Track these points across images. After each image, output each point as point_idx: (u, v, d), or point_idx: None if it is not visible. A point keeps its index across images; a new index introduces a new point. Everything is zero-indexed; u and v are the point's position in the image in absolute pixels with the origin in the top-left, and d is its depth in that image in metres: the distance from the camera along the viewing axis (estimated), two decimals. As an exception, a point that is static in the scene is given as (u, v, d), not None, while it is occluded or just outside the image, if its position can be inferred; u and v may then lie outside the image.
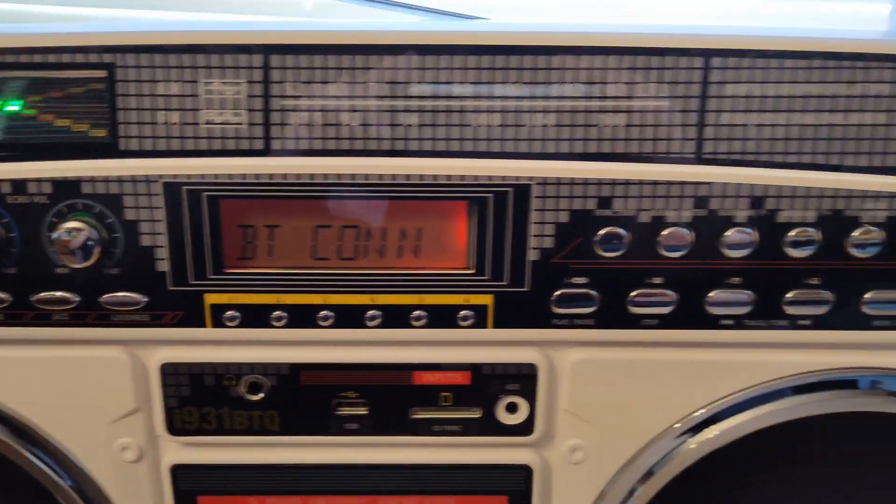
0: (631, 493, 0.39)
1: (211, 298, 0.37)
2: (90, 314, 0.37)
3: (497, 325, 0.37)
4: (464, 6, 0.45)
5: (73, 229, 0.34)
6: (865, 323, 0.36)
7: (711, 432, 0.37)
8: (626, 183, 0.35)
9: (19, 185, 0.35)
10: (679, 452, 0.38)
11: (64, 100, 0.35)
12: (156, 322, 0.37)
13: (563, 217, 0.35)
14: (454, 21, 0.47)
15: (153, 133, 0.35)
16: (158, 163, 0.35)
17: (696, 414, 0.37)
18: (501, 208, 0.35)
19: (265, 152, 0.35)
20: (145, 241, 0.36)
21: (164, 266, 0.36)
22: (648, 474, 0.39)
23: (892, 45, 0.33)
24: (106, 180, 0.35)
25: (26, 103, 0.35)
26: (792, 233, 0.35)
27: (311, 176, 0.35)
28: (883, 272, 0.36)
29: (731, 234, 0.35)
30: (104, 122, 0.35)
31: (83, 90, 0.35)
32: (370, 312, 0.37)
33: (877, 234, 0.35)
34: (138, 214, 0.35)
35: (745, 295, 0.36)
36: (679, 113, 0.34)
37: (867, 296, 0.36)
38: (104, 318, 0.37)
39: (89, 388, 0.38)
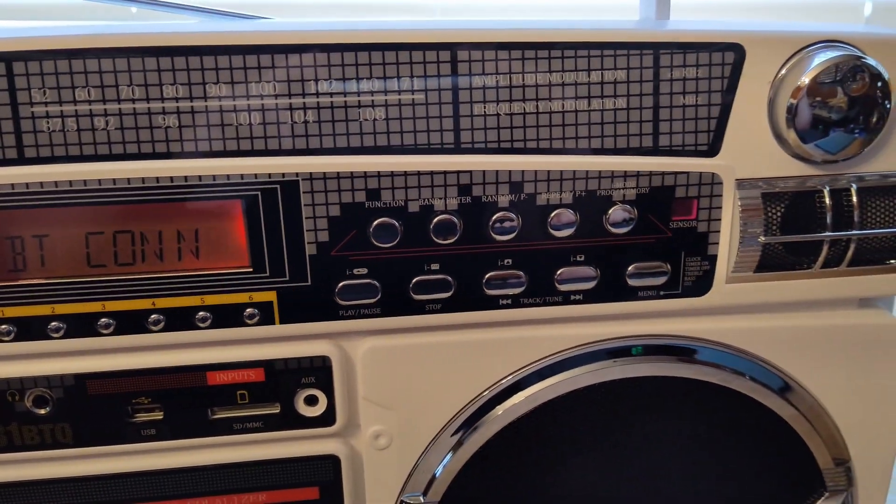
0: (432, 479, 0.40)
1: (-20, 314, 0.36)
2: None
3: (284, 321, 0.37)
4: (257, 6, 0.45)
5: None
6: (632, 294, 0.39)
7: (499, 410, 0.39)
8: (392, 174, 0.36)
9: None
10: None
11: None
12: (-78, 343, 0.36)
13: (335, 210, 0.36)
14: (233, 21, 0.47)
15: None
16: None
17: (480, 396, 0.39)
18: (273, 205, 0.35)
19: (18, 161, 0.34)
20: None
21: (-78, 284, 0.35)
22: (445, 459, 0.40)
23: (629, 34, 0.35)
24: None
25: None
26: (552, 215, 0.37)
27: (71, 183, 0.34)
28: (638, 247, 0.38)
29: (496, 218, 0.37)
30: None
31: None
32: (153, 317, 0.36)
33: (629, 212, 0.37)
34: None
35: (518, 275, 0.38)
36: (434, 105, 0.35)
37: (629, 269, 0.39)
38: None
39: None
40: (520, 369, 0.40)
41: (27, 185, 0.34)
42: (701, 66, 0.36)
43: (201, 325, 0.37)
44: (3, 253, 0.35)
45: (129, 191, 0.35)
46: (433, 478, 0.40)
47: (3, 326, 0.35)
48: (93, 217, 0.35)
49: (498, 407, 0.39)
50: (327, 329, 0.38)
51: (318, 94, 0.35)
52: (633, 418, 0.41)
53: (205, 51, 0.33)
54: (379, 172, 0.35)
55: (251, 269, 0.36)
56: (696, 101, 0.37)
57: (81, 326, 0.36)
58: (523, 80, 0.35)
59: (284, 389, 0.38)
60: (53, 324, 0.36)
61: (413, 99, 0.35)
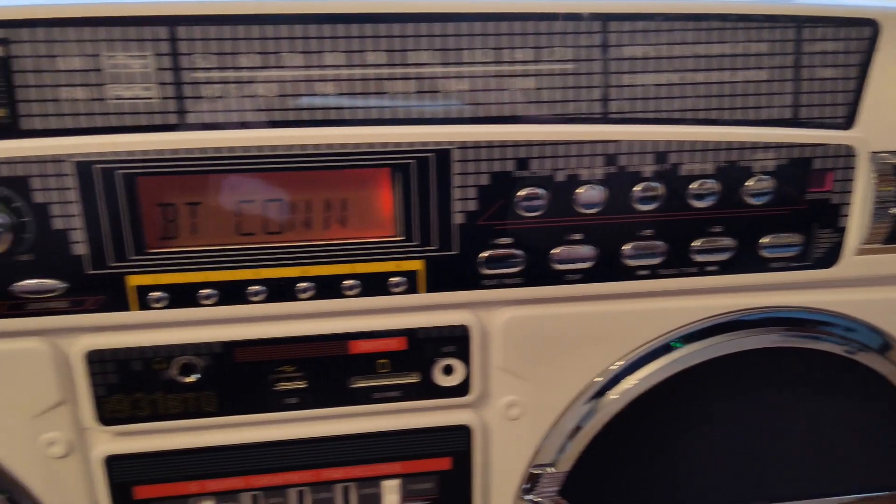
0: (562, 449, 0.40)
1: (134, 280, 0.35)
2: (3, 304, 0.34)
3: (429, 290, 0.37)
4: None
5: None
6: (764, 266, 0.39)
7: (631, 381, 0.39)
8: (542, 144, 0.36)
9: (-88, 172, 0.33)
10: (602, 405, 0.39)
11: None
12: (76, 308, 0.34)
13: (485, 180, 0.36)
14: None
15: (57, 110, 0.33)
16: (66, 141, 0.33)
17: (613, 367, 0.38)
18: (424, 174, 0.35)
19: (180, 127, 0.34)
20: (58, 224, 0.33)
21: (80, 249, 0.34)
22: (576, 429, 0.40)
23: (770, 7, 0.36)
24: (10, 162, 0.32)
25: None
26: (693, 185, 0.37)
27: (231, 150, 0.34)
28: (773, 218, 0.38)
29: (639, 188, 0.37)
30: (1, 101, 0.32)
31: None
32: (302, 285, 0.36)
33: (768, 183, 0.37)
34: (48, 196, 0.33)
35: (658, 246, 0.38)
36: (584, 75, 0.35)
37: (764, 240, 0.39)
38: (19, 307, 0.34)
39: (7, 383, 0.35)
40: (652, 340, 0.39)
41: (188, 150, 0.34)
42: (839, 40, 0.37)
43: (348, 293, 0.36)
44: (156, 219, 0.35)
45: (282, 158, 0.34)
46: (563, 448, 0.40)
47: (157, 293, 0.35)
48: (245, 185, 0.35)
49: (629, 377, 0.39)
50: (469, 298, 0.37)
51: (472, 64, 0.35)
52: (759, 390, 0.41)
53: (363, 18, 0.33)
54: (529, 142, 0.36)
55: (401, 238, 0.36)
56: (834, 74, 0.37)
57: (233, 294, 0.35)
58: (670, 51, 0.36)
59: (424, 359, 0.38)
60: (205, 291, 0.35)
61: (564, 69, 0.35)
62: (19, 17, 0.31)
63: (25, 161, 0.33)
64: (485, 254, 0.36)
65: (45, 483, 0.37)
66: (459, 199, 0.36)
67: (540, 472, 0.40)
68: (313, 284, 0.36)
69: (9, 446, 0.36)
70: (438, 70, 0.34)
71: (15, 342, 0.35)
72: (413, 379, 0.38)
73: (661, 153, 0.36)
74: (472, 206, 0.36)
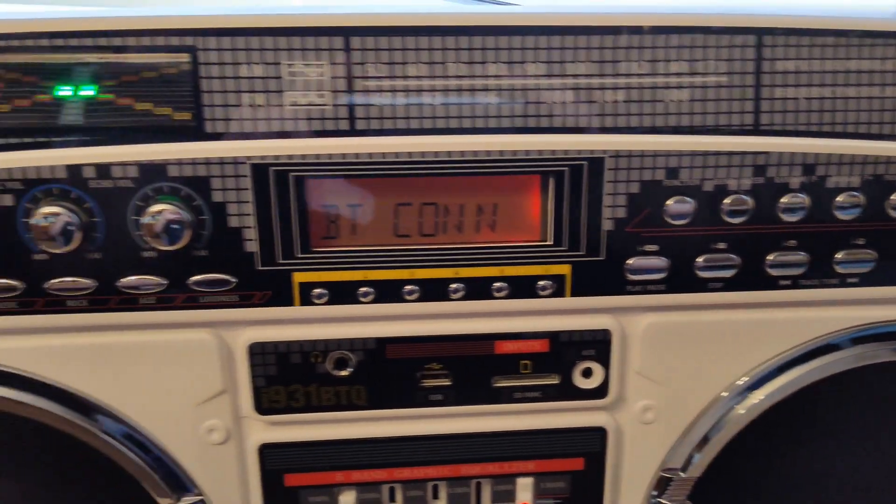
0: (693, 454, 0.40)
1: (299, 277, 0.36)
2: (178, 297, 0.36)
3: (574, 294, 0.38)
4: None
5: (160, 212, 0.33)
6: (905, 278, 0.39)
7: (765, 391, 0.39)
8: (692, 154, 0.36)
9: (103, 170, 0.34)
10: (734, 415, 0.39)
11: (139, 84, 0.34)
12: (245, 302, 0.36)
13: (635, 188, 0.36)
14: (488, 7, 0.48)
15: (239, 115, 0.35)
16: (245, 144, 0.34)
17: (745, 377, 0.39)
18: (577, 181, 0.36)
19: (350, 132, 0.35)
20: (233, 222, 0.35)
21: (252, 246, 0.36)
22: (709, 435, 0.40)
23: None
24: (193, 163, 0.34)
25: (100, 88, 0.34)
26: (840, 197, 0.38)
27: (396, 155, 0.36)
28: (921, 230, 0.38)
29: (786, 199, 0.37)
30: (187, 105, 0.34)
31: (156, 74, 0.34)
32: (454, 285, 0.37)
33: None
34: (225, 196, 0.35)
35: (801, 256, 0.38)
36: (737, 88, 0.36)
37: None
38: (192, 300, 0.36)
39: (176, 372, 0.37)
40: (788, 350, 0.40)
41: (356, 155, 0.35)
42: None
43: (497, 294, 0.37)
44: (321, 220, 0.37)
45: (441, 164, 0.36)
46: (695, 453, 0.40)
47: (319, 290, 0.36)
48: (404, 188, 0.36)
49: (766, 385, 0.39)
50: (613, 303, 0.38)
51: (628, 75, 0.36)
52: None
53: (524, 31, 0.34)
54: (680, 152, 0.36)
55: (549, 243, 0.37)
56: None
57: (389, 292, 0.37)
58: (822, 66, 0.36)
59: (565, 361, 0.39)
60: (363, 289, 0.37)
61: (718, 81, 0.36)
62: (208, 27, 0.34)
63: (207, 162, 0.35)
64: (631, 260, 0.37)
65: (202, 467, 0.38)
66: (609, 206, 0.36)
67: (671, 475, 0.41)
68: (464, 286, 0.37)
69: (172, 431, 0.38)
70: (595, 81, 0.36)
71: (186, 333, 0.37)
72: (553, 380, 0.39)
73: (808, 165, 0.37)
74: (620, 213, 0.37)
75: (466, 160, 0.36)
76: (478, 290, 0.37)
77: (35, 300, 0.35)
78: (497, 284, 0.37)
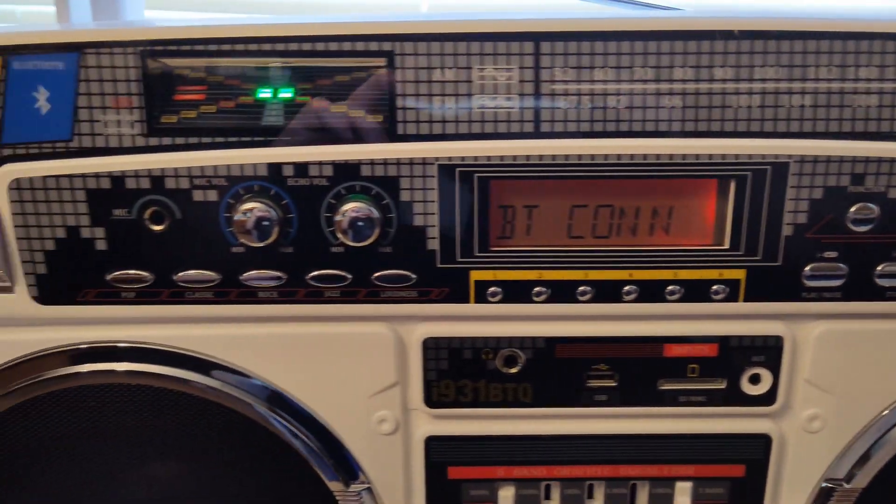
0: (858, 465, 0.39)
1: (476, 275, 0.37)
2: (361, 291, 0.37)
3: (747, 299, 0.37)
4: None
5: (353, 210, 0.34)
6: None
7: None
8: (879, 160, 0.36)
9: (301, 169, 0.36)
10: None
11: (333, 87, 0.35)
12: (423, 298, 0.37)
13: (818, 194, 0.36)
14: (650, 11, 0.48)
15: (430, 118, 0.36)
16: (435, 146, 0.35)
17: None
18: (760, 186, 0.36)
19: (535, 135, 0.36)
20: (418, 220, 0.36)
21: (434, 245, 0.37)
22: (876, 446, 0.39)
23: None
24: (385, 163, 0.36)
25: (297, 90, 0.36)
26: None
27: (579, 157, 0.36)
28: None
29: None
30: (380, 107, 0.35)
31: (351, 77, 0.36)
32: (627, 287, 0.37)
33: None
34: (412, 195, 0.36)
35: None
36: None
37: None
38: (374, 294, 0.37)
39: (353, 363, 0.38)
40: (965, 363, 0.39)
41: (540, 157, 0.36)
42: None
43: (670, 297, 0.37)
44: (498, 220, 0.37)
45: (619, 166, 0.36)
46: (859, 465, 0.39)
47: (494, 288, 0.37)
48: (581, 190, 0.36)
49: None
50: (786, 310, 0.38)
51: (815, 80, 0.35)
52: None
53: (711, 35, 0.34)
54: (867, 157, 0.36)
55: (725, 247, 0.37)
56: None
57: (563, 292, 0.37)
58: None
59: (733, 366, 0.38)
60: (537, 288, 0.37)
61: (911, 86, 0.36)
62: (405, 32, 0.35)
63: (398, 163, 0.36)
64: (808, 266, 0.37)
65: (370, 456, 0.40)
66: (791, 212, 0.36)
67: (834, 486, 0.40)
68: (637, 288, 0.37)
69: (345, 419, 0.39)
70: (783, 85, 0.35)
71: (365, 326, 0.38)
72: (720, 385, 0.39)
73: None
74: (801, 218, 0.36)
75: (645, 163, 0.36)
76: (651, 292, 0.37)
77: (229, 290, 0.37)
78: (670, 287, 0.37)
